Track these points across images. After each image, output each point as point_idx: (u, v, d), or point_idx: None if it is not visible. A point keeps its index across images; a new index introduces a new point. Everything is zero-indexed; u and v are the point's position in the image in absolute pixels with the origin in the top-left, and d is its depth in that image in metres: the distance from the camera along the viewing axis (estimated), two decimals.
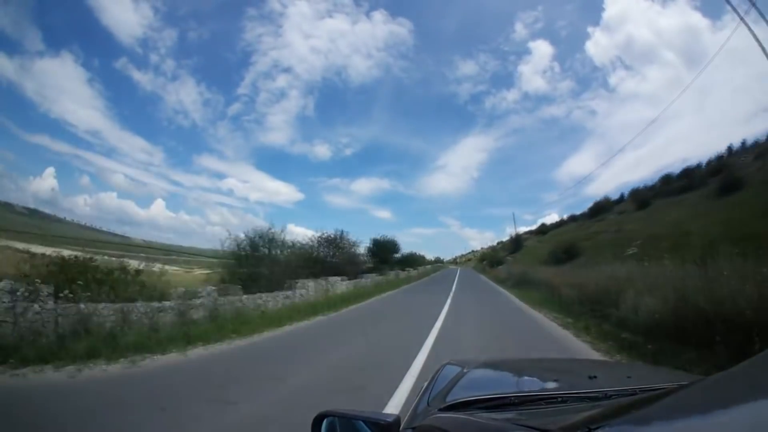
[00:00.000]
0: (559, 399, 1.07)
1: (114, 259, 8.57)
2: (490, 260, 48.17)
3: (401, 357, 5.30)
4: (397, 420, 0.97)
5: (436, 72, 67.25)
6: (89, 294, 6.08)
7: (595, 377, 1.27)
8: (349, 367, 5.06)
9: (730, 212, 15.69)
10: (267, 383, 4.38)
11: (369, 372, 4.79)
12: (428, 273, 41.85)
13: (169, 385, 4.36)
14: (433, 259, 66.15)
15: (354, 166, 75.97)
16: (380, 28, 57.75)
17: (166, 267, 11.50)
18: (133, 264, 8.58)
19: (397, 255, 32.38)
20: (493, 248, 54.41)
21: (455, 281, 26.51)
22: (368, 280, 19.69)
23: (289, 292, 11.01)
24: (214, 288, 8.49)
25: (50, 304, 5.51)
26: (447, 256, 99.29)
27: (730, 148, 32.03)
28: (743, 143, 31.26)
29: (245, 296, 9.27)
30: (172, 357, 5.54)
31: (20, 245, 18.21)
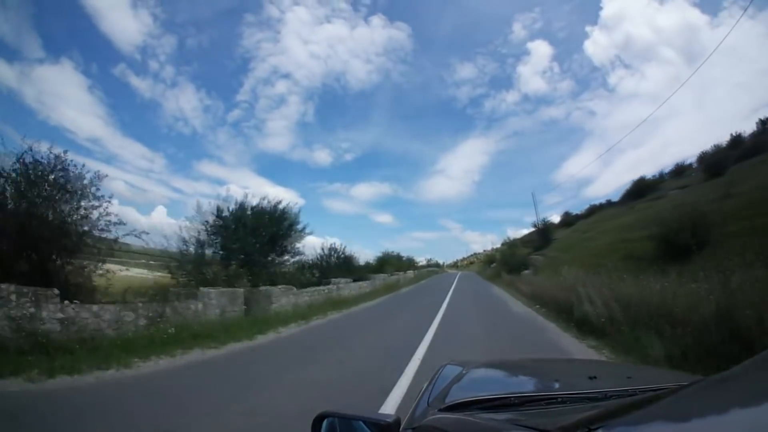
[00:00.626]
0: (559, 399, 1.07)
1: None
2: (505, 262, 29.65)
3: None
4: (397, 420, 0.97)
5: (434, 76, 67.46)
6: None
7: (594, 378, 1.27)
8: None
9: None
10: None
11: None
12: (393, 287, 21.82)
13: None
14: (424, 262, 56.39)
15: (354, 171, 76.25)
16: (379, 32, 57.88)
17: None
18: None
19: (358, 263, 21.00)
20: (509, 244, 37.49)
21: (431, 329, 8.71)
22: None
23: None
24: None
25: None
26: (448, 260, 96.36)
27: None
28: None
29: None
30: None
31: None
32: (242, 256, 10.78)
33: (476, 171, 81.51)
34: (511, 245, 35.42)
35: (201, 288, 8.22)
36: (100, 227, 7.46)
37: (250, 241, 11.08)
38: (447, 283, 26.62)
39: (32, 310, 5.35)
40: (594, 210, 37.42)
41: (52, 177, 6.90)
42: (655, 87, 51.50)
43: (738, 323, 4.04)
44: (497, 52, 62.36)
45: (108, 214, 7.45)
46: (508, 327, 8.97)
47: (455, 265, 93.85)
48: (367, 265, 23.34)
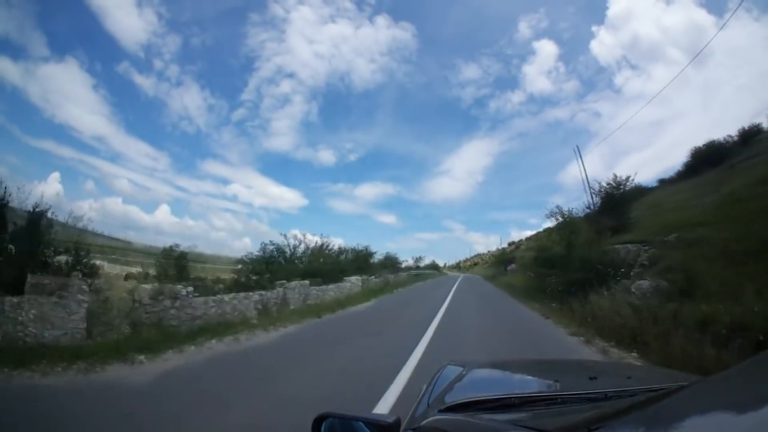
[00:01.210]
0: (559, 400, 1.07)
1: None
2: (551, 263, 13.07)
3: None
4: (397, 421, 0.97)
5: (439, 76, 67.29)
6: None
7: (595, 378, 1.27)
8: None
9: None
10: None
11: None
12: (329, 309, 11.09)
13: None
14: (411, 264, 43.17)
15: (358, 171, 76.15)
16: (383, 32, 57.87)
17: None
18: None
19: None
20: (564, 223, 14.33)
21: None
22: None
23: None
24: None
25: None
26: (450, 260, 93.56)
27: None
28: None
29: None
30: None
31: None
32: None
33: (480, 172, 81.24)
34: (568, 224, 14.67)
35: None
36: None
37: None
38: (423, 312, 11.09)
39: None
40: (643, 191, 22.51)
41: None
42: (660, 88, 50.90)
43: None
44: (502, 53, 62.22)
45: None
46: None
47: (457, 267, 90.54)
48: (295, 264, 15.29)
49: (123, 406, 3.66)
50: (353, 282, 16.11)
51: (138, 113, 60.35)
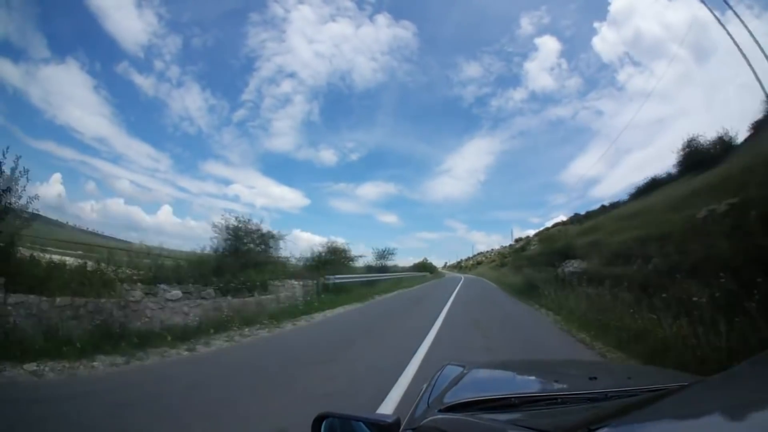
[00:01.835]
0: (559, 400, 1.07)
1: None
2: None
3: None
4: (397, 421, 0.97)
5: (440, 75, 67.18)
6: None
7: (595, 378, 1.27)
8: None
9: None
10: None
11: None
12: None
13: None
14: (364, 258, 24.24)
15: (359, 170, 76.11)
16: (384, 31, 57.86)
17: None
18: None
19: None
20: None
21: None
22: None
23: None
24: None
25: None
26: (452, 259, 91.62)
27: None
28: None
29: None
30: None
31: None
32: None
33: (481, 171, 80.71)
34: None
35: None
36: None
37: None
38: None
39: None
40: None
41: None
42: (664, 85, 50.33)
43: None
44: (503, 51, 61.88)
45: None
46: None
47: (458, 266, 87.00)
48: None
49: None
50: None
51: (139, 114, 60.53)
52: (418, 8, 68.77)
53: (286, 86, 60.45)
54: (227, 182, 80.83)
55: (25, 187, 5.96)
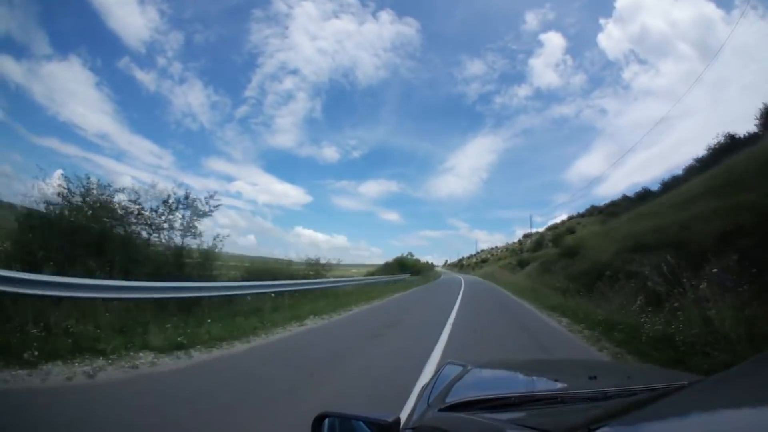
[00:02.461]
0: (560, 399, 1.07)
1: None
2: None
3: None
4: (397, 420, 0.97)
5: (443, 72, 66.86)
6: None
7: (595, 378, 1.27)
8: None
9: None
10: None
11: None
12: None
13: None
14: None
15: (362, 168, 76.03)
16: (387, 28, 57.69)
17: None
18: None
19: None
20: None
21: None
22: None
23: None
24: None
25: None
26: (453, 258, 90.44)
27: None
28: None
29: None
30: None
31: None
32: None
33: (484, 169, 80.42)
34: None
35: None
36: None
37: None
38: None
39: None
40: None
41: None
42: (669, 84, 49.57)
43: None
44: (507, 48, 61.59)
45: None
46: None
47: (459, 265, 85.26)
48: None
49: None
50: None
51: (142, 111, 60.58)
52: (422, 5, 68.31)
53: (289, 83, 60.43)
54: (230, 179, 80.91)
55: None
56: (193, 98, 59.59)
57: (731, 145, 17.28)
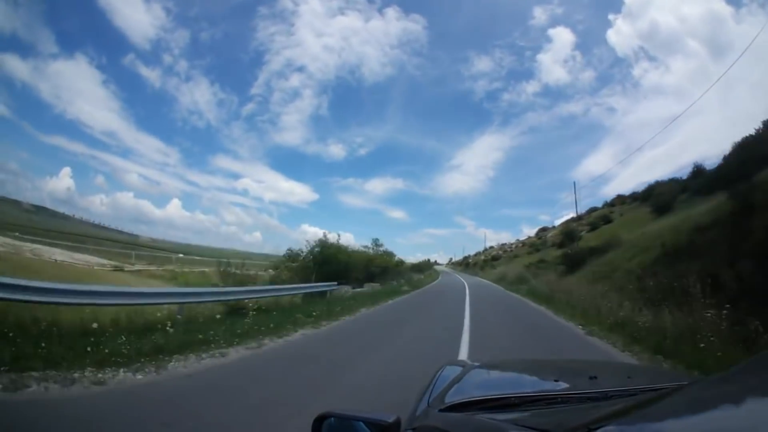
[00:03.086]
0: (560, 399, 1.07)
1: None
2: None
3: None
4: (397, 420, 0.97)
5: (450, 69, 66.57)
6: None
7: (595, 378, 1.27)
8: None
9: None
10: None
11: None
12: None
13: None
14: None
15: (368, 166, 75.86)
16: (393, 25, 57.42)
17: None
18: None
19: None
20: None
21: None
22: None
23: None
24: None
25: None
26: (457, 255, 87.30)
27: None
28: None
29: None
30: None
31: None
32: None
33: (491, 167, 79.87)
34: None
35: None
36: None
37: None
38: None
39: None
40: None
41: None
42: (678, 81, 48.85)
43: None
44: (515, 44, 61.25)
45: None
46: None
47: (464, 264, 74.33)
48: None
49: None
50: None
51: (148, 108, 60.66)
52: (429, 1, 68.25)
53: (295, 80, 60.42)
54: (236, 176, 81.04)
55: None
56: (199, 96, 59.71)
57: None
